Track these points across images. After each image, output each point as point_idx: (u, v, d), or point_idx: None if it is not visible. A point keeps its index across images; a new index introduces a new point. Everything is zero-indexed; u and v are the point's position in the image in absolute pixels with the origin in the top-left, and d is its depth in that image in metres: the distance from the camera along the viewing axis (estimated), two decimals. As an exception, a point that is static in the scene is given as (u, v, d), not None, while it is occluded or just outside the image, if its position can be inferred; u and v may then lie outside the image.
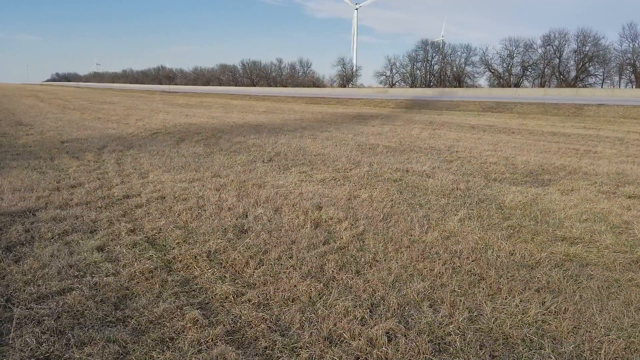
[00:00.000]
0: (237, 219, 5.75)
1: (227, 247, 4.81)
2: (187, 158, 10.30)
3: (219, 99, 51.73)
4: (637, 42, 67.53)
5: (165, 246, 4.90)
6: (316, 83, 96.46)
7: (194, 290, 3.92)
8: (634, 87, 67.17)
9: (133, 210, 6.19)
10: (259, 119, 22.97)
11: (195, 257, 4.57)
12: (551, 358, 2.96)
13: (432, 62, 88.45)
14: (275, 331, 3.29)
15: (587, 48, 70.88)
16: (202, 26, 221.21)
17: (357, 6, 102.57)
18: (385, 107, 38.36)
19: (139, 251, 4.71)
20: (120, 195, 6.89)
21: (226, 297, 3.77)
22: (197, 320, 3.38)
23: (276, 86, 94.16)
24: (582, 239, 5.18)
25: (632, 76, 69.18)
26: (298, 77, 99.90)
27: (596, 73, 73.10)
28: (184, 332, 3.26)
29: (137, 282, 4.02)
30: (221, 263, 4.46)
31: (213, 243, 4.90)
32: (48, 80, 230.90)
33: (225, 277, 4.15)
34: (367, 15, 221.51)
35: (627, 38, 68.72)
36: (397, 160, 10.43)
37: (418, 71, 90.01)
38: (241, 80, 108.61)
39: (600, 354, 3.02)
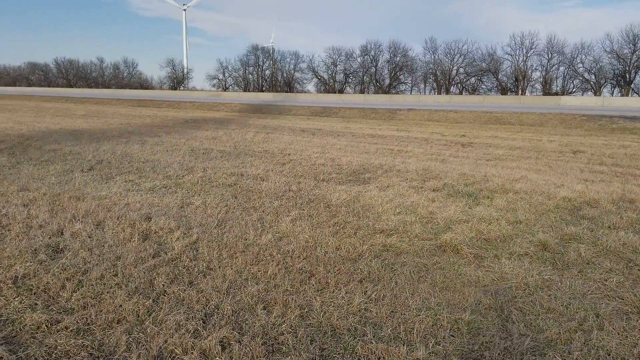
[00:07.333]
0: (50, 238, 5.07)
1: (38, 270, 4.21)
2: (-18, 170, 8.72)
3: (28, 101, 45.04)
4: (437, 54, 79.26)
5: (-49, 278, 4.08)
6: (144, 84, 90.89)
7: (-6, 326, 3.35)
8: (435, 93, 78.66)
9: None
10: (77, 123, 20.62)
11: (-4, 286, 3.90)
12: (372, 343, 3.27)
13: (264, 67, 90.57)
14: (98, 357, 3.00)
15: (398, 58, 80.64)
16: (1, 16, 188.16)
17: (185, 7, 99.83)
18: (220, 111, 37.96)
19: None
20: None
21: (38, 327, 3.31)
22: (2, 357, 2.91)
23: (98, 87, 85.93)
24: (397, 230, 5.85)
25: (434, 84, 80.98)
26: (123, 78, 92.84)
27: (406, 81, 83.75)
28: (-21, 378, 2.77)
29: None
30: (31, 289, 3.89)
31: (20, 267, 4.24)
32: None
33: (36, 304, 3.64)
34: (197, 17, 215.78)
35: (429, 50, 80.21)
36: (232, 164, 10.41)
37: (250, 75, 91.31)
38: (55, 80, 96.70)
39: (413, 332, 3.43)
